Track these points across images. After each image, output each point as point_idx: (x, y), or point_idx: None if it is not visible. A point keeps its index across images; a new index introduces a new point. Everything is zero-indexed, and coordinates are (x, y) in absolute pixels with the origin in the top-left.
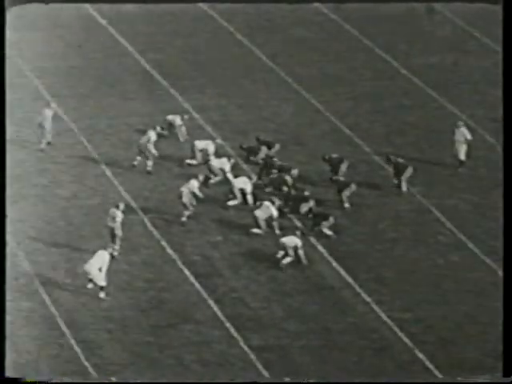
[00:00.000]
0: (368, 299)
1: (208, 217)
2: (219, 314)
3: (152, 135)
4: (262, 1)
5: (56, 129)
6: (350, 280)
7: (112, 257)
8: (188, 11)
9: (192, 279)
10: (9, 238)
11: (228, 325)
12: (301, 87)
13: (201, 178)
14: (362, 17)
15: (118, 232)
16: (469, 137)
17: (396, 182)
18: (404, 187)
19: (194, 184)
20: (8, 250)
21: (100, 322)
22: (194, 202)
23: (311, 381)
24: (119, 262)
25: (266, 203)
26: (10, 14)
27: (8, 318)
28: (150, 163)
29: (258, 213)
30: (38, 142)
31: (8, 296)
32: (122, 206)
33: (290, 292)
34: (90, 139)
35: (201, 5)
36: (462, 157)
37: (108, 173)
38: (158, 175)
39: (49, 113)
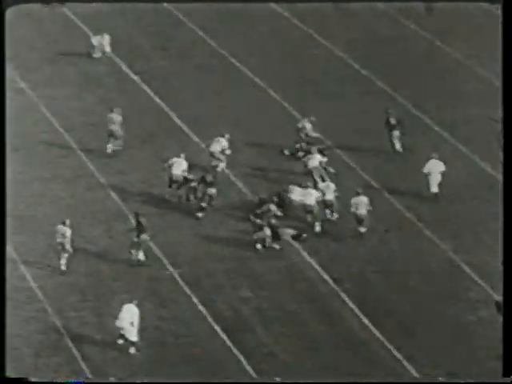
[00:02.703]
0: (398, 355)
1: (239, 272)
2: (249, 369)
3: (223, 141)
4: (265, 0)
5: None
6: (379, 335)
7: (62, 271)
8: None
9: (222, 334)
10: (38, 292)
11: (259, 380)
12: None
13: (182, 156)
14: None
15: (68, 247)
16: (442, 168)
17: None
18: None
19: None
20: (38, 305)
21: (129, 377)
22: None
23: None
24: (150, 317)
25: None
26: (9, 14)
27: (38, 373)
28: (222, 165)
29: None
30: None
31: (35, 350)
32: (68, 221)
33: (320, 347)
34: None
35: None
36: (435, 189)
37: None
38: (190, 227)
39: (117, 118)
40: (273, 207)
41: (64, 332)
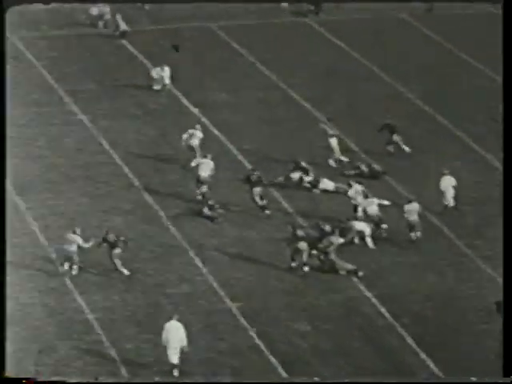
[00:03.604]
0: None
1: (296, 305)
2: None
3: (297, 176)
4: (265, 0)
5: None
6: (435, 368)
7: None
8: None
9: (279, 368)
10: (95, 324)
11: None
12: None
13: (209, 156)
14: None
15: (85, 245)
16: (454, 183)
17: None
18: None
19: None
20: (93, 337)
21: None
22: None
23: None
24: (206, 349)
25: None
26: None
27: None
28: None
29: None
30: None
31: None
32: (78, 230)
33: (378, 382)
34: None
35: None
36: (451, 202)
37: (197, 262)
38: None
39: (199, 134)
40: (334, 239)
41: (120, 363)
